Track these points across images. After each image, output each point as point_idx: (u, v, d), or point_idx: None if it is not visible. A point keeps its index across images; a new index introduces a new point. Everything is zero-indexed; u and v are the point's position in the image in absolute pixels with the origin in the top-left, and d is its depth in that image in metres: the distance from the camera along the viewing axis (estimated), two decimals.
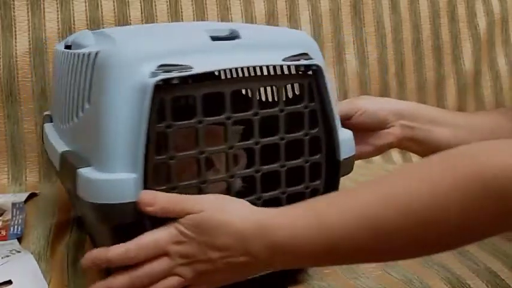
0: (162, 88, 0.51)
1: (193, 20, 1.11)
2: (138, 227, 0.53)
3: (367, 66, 1.23)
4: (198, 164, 0.55)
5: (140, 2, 1.08)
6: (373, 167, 1.17)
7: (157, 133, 0.51)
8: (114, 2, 1.06)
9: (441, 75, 1.28)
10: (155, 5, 1.08)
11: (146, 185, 0.52)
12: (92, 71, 0.56)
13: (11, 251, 0.71)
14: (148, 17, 1.08)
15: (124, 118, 0.51)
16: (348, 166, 0.63)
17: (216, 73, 0.66)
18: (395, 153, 1.25)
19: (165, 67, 0.51)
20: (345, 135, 0.62)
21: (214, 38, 0.56)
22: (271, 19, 1.16)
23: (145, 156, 0.51)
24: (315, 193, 0.61)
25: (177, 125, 0.52)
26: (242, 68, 0.57)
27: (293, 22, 1.16)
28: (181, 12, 1.10)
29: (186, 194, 0.54)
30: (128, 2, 1.07)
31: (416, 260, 0.68)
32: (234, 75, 0.60)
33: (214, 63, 0.54)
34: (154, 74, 0.50)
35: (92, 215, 0.54)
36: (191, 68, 0.51)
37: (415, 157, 1.25)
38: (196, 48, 0.55)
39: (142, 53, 0.53)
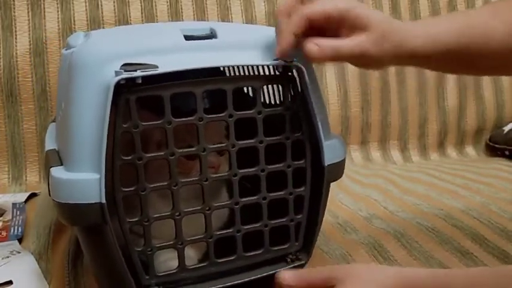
0: (126, 88, 0.49)
1: (194, 20, 1.11)
2: (102, 230, 0.51)
3: None
4: (169, 166, 0.52)
5: (140, 2, 1.08)
6: (374, 167, 1.17)
7: (122, 133, 0.50)
8: (114, 2, 1.06)
9: (441, 75, 1.28)
10: (155, 5, 1.08)
11: (113, 187, 0.50)
12: (68, 70, 0.55)
13: (11, 251, 0.71)
14: (149, 16, 1.08)
15: (89, 118, 0.50)
16: (335, 172, 0.60)
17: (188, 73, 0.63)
18: (395, 153, 1.25)
19: (128, 66, 0.49)
20: (331, 140, 0.59)
21: (188, 38, 0.54)
22: (271, 19, 1.16)
23: (112, 157, 0.50)
24: (299, 200, 0.59)
25: (143, 125, 0.50)
26: (214, 68, 0.54)
27: None
28: (182, 12, 1.10)
29: (156, 196, 0.54)
30: (128, 2, 1.07)
31: (417, 260, 0.69)
32: (206, 76, 0.55)
33: (183, 63, 0.51)
34: (117, 73, 0.48)
35: (58, 214, 0.53)
36: (156, 67, 0.50)
37: (414, 157, 1.26)
38: (167, 48, 0.53)
39: (107, 53, 0.51)
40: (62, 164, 0.53)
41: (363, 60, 0.57)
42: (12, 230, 0.79)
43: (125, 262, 0.52)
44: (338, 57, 0.56)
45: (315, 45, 0.54)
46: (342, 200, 0.91)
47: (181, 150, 0.53)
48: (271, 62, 0.55)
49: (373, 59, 0.56)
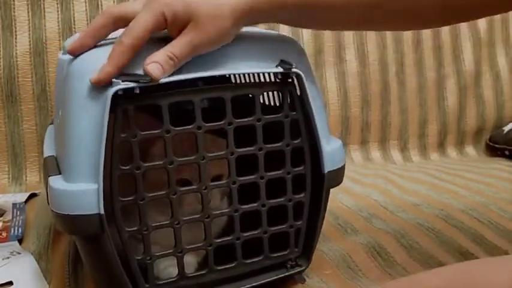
0: (124, 98, 0.49)
1: None
2: (100, 239, 0.51)
3: (367, 66, 1.23)
4: (168, 174, 0.52)
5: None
6: (374, 167, 1.17)
7: (121, 143, 0.49)
8: (114, 2, 1.06)
9: (441, 75, 1.29)
10: None
11: (111, 197, 0.50)
12: (65, 78, 0.54)
13: (11, 252, 0.71)
14: None
15: (86, 127, 0.49)
16: (335, 178, 0.59)
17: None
18: (395, 153, 1.25)
19: (126, 76, 0.49)
20: (331, 146, 0.59)
21: None
22: (271, 24, 1.16)
23: (110, 167, 0.49)
24: (299, 206, 0.59)
25: (141, 134, 0.50)
26: (212, 77, 0.53)
27: None
28: None
29: (155, 206, 0.53)
30: (128, 1, 1.07)
31: (417, 260, 0.69)
32: (205, 84, 0.54)
33: (181, 72, 0.51)
34: (114, 84, 0.48)
35: (56, 224, 0.52)
36: None
37: (415, 157, 1.26)
38: None
39: (105, 61, 0.50)
40: (60, 173, 0.53)
41: (203, 50, 0.53)
42: (12, 231, 0.79)
43: (124, 271, 0.52)
44: (180, 64, 0.52)
45: (154, 66, 0.50)
46: (342, 200, 0.91)
47: (180, 159, 0.52)
48: (271, 70, 0.55)
49: (210, 46, 0.53)
